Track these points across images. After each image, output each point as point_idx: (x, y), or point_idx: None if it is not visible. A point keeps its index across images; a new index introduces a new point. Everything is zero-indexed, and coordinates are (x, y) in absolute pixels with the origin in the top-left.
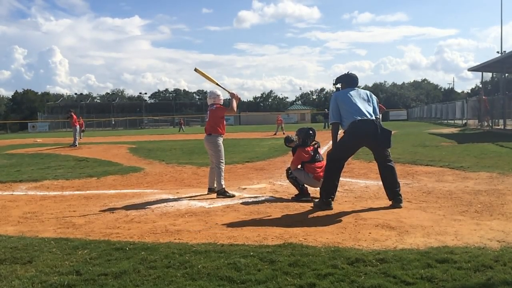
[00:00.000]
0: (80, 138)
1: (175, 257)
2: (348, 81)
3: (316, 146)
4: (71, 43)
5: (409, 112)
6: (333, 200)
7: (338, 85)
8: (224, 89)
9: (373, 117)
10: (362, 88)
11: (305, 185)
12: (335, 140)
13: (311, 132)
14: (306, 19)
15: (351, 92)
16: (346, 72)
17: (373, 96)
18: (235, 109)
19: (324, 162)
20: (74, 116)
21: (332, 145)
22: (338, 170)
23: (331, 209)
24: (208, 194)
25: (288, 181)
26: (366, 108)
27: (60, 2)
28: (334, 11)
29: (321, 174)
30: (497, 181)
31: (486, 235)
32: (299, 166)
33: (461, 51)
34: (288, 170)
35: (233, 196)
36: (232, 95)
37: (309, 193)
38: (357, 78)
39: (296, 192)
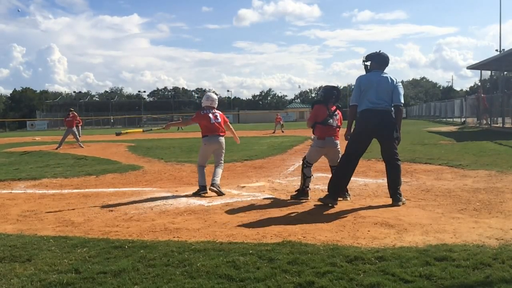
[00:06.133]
0: (80, 136)
1: (174, 255)
2: (378, 60)
3: (338, 106)
4: (70, 41)
5: (408, 110)
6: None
7: (368, 63)
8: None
9: (386, 107)
10: None
11: (309, 187)
12: (350, 123)
13: (334, 91)
14: (306, 17)
15: (373, 78)
16: (378, 51)
17: (399, 83)
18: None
19: (336, 129)
20: (72, 116)
21: (347, 127)
22: (352, 165)
23: (336, 204)
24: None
25: (287, 179)
26: (382, 97)
27: (59, 0)
28: (334, 9)
29: (327, 133)
30: (495, 179)
31: (484, 233)
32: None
33: (460, 49)
34: (304, 159)
35: (223, 194)
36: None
37: (309, 194)
38: (388, 59)
39: (297, 190)
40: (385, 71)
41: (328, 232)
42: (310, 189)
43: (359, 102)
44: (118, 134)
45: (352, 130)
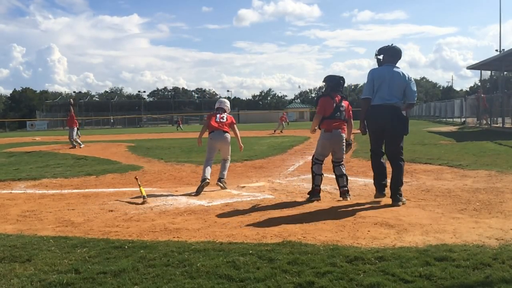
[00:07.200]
0: (79, 136)
1: (174, 255)
2: (390, 53)
3: (343, 96)
4: (70, 41)
5: (408, 110)
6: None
7: (380, 56)
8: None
9: (395, 102)
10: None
11: (320, 185)
12: (364, 116)
13: (341, 81)
14: (306, 17)
15: (386, 72)
16: (390, 44)
17: (411, 79)
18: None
19: (344, 122)
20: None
21: (360, 121)
22: (381, 156)
23: (384, 196)
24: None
25: (287, 180)
26: (393, 93)
27: (59, 0)
28: (334, 9)
29: (334, 126)
30: (495, 179)
31: (484, 233)
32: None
33: (460, 49)
34: (313, 157)
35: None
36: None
37: (319, 194)
38: (401, 52)
39: (309, 192)
40: (397, 64)
41: (328, 232)
42: (321, 188)
43: (372, 96)
44: (143, 202)
45: (365, 122)
